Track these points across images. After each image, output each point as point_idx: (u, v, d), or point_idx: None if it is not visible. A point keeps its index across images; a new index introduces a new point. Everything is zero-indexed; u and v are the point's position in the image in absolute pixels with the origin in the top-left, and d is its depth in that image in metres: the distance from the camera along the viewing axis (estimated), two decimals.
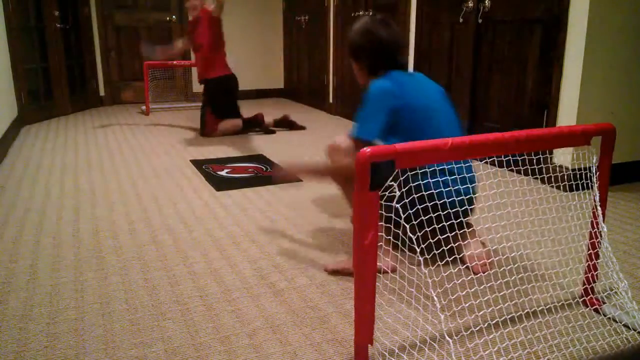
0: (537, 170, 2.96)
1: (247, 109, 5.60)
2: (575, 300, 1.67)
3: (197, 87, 5.26)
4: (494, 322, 1.54)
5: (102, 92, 5.95)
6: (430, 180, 1.80)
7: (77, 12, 5.51)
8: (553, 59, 2.82)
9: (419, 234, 1.80)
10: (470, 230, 1.94)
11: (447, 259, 1.91)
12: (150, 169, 3.22)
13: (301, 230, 2.24)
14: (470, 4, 3.34)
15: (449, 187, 1.85)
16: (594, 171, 1.49)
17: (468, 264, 1.89)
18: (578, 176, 2.75)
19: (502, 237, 2.16)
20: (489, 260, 1.88)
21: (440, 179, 1.85)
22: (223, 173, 3.15)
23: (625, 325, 1.51)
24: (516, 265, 1.90)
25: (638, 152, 2.94)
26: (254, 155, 3.62)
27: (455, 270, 1.86)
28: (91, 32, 5.73)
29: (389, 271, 1.87)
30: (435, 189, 1.79)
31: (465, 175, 1.86)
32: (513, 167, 3.15)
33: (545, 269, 1.87)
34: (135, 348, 1.41)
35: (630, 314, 1.52)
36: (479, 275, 1.84)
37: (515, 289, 1.73)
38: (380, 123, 1.78)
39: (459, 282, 1.77)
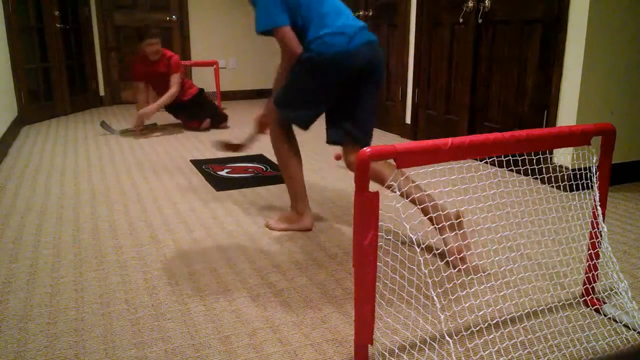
0: (537, 170, 2.96)
1: (247, 109, 5.60)
2: (576, 300, 1.67)
3: None
4: (494, 322, 1.54)
5: (102, 92, 5.95)
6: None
7: (77, 12, 5.51)
8: (553, 59, 2.82)
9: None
10: (449, 223, 1.89)
11: (448, 258, 1.91)
12: (150, 169, 3.22)
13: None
14: (470, 4, 3.34)
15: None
16: (594, 171, 1.49)
17: (448, 259, 1.89)
18: (578, 176, 2.75)
19: (502, 237, 2.16)
20: (468, 253, 1.89)
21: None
22: (223, 173, 3.15)
23: (625, 325, 1.51)
24: (516, 265, 1.90)
25: (638, 152, 2.94)
26: (254, 155, 3.62)
27: (455, 270, 1.86)
28: (91, 32, 5.73)
29: None
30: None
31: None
32: (513, 167, 3.15)
33: (546, 269, 1.87)
34: (135, 348, 1.41)
35: (630, 314, 1.52)
36: (457, 269, 1.84)
37: (515, 289, 1.73)
38: (279, 5, 1.94)
39: (459, 282, 1.77)
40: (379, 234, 1.17)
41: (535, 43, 2.94)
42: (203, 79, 6.03)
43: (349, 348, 1.41)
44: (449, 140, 1.21)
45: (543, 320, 1.55)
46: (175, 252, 2.02)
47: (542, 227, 2.27)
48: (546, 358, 1.37)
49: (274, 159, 3.50)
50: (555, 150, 2.87)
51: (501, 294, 1.70)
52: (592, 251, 1.57)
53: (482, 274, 1.84)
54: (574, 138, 1.40)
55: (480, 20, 3.30)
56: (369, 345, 1.27)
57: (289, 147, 2.17)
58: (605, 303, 1.61)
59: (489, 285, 1.76)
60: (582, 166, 2.76)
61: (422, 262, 1.93)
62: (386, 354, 1.38)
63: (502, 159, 3.17)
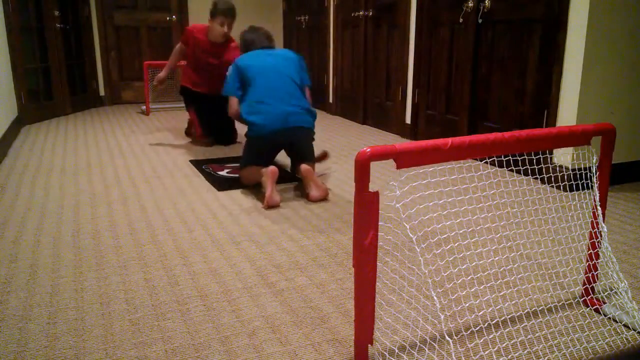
0: (537, 170, 2.96)
1: None
2: (576, 300, 1.67)
3: None
4: (494, 322, 1.54)
5: (102, 92, 5.95)
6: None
7: (77, 12, 5.51)
8: (553, 59, 2.82)
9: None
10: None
11: (448, 259, 1.91)
12: (150, 169, 3.23)
13: (301, 230, 2.24)
14: (470, 4, 3.34)
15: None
16: (594, 171, 1.49)
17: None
18: (578, 176, 2.75)
19: (502, 237, 2.16)
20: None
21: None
22: (223, 173, 3.15)
23: (625, 325, 1.51)
24: (516, 265, 1.91)
25: (638, 152, 2.94)
26: None
27: (455, 270, 1.86)
28: (91, 32, 5.74)
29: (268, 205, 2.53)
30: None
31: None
32: (513, 167, 3.15)
33: (545, 269, 1.87)
34: (135, 348, 1.41)
35: (630, 314, 1.52)
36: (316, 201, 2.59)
37: (515, 289, 1.73)
38: (233, 81, 2.85)
39: (459, 282, 1.77)
40: (379, 234, 1.17)
41: (535, 43, 2.94)
42: None
43: (349, 348, 1.41)
44: (449, 140, 1.21)
45: (543, 320, 1.55)
46: (175, 252, 2.02)
47: (542, 227, 2.27)
48: (546, 358, 1.37)
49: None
50: (555, 150, 2.87)
51: (501, 294, 1.70)
52: (592, 251, 1.57)
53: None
54: (574, 138, 1.40)
55: (480, 20, 3.30)
56: (369, 345, 1.27)
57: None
58: (605, 303, 1.61)
59: (489, 285, 1.76)
60: (582, 166, 2.76)
61: (422, 262, 1.93)
62: (386, 354, 1.38)
63: (502, 159, 3.18)
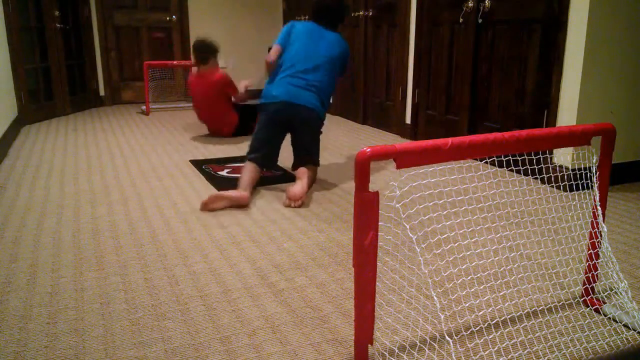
0: (537, 170, 2.96)
1: None
2: (576, 300, 1.67)
3: None
4: (494, 322, 1.54)
5: (102, 92, 5.95)
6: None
7: (77, 12, 5.51)
8: (553, 59, 2.82)
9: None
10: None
11: (448, 259, 1.91)
12: (150, 169, 3.23)
13: (301, 230, 2.24)
14: (470, 4, 3.34)
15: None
16: (594, 171, 1.49)
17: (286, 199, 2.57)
18: (578, 176, 2.75)
19: (502, 237, 2.16)
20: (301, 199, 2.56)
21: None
22: (223, 173, 3.15)
23: (625, 325, 1.51)
24: (516, 265, 1.91)
25: (638, 152, 2.94)
26: None
27: (455, 270, 1.86)
28: (91, 32, 5.74)
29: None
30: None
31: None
32: (513, 167, 3.15)
33: (545, 269, 1.87)
34: (135, 348, 1.41)
35: (630, 314, 1.52)
36: (288, 207, 2.53)
37: (515, 289, 1.73)
38: (283, 34, 2.98)
39: (459, 282, 1.77)
40: (379, 234, 1.17)
41: (535, 43, 2.94)
42: None
43: (349, 348, 1.41)
44: (449, 140, 1.21)
45: (543, 320, 1.55)
46: (175, 252, 2.02)
47: (542, 227, 2.27)
48: (546, 358, 1.37)
49: None
50: (555, 150, 2.87)
51: (501, 294, 1.70)
52: (592, 251, 1.57)
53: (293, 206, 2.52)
54: (574, 138, 1.40)
55: (480, 20, 3.30)
56: (369, 345, 1.27)
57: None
58: (605, 303, 1.61)
59: (489, 285, 1.76)
60: (582, 166, 2.76)
61: (422, 262, 1.93)
62: (386, 354, 1.38)
63: (502, 159, 3.18)
